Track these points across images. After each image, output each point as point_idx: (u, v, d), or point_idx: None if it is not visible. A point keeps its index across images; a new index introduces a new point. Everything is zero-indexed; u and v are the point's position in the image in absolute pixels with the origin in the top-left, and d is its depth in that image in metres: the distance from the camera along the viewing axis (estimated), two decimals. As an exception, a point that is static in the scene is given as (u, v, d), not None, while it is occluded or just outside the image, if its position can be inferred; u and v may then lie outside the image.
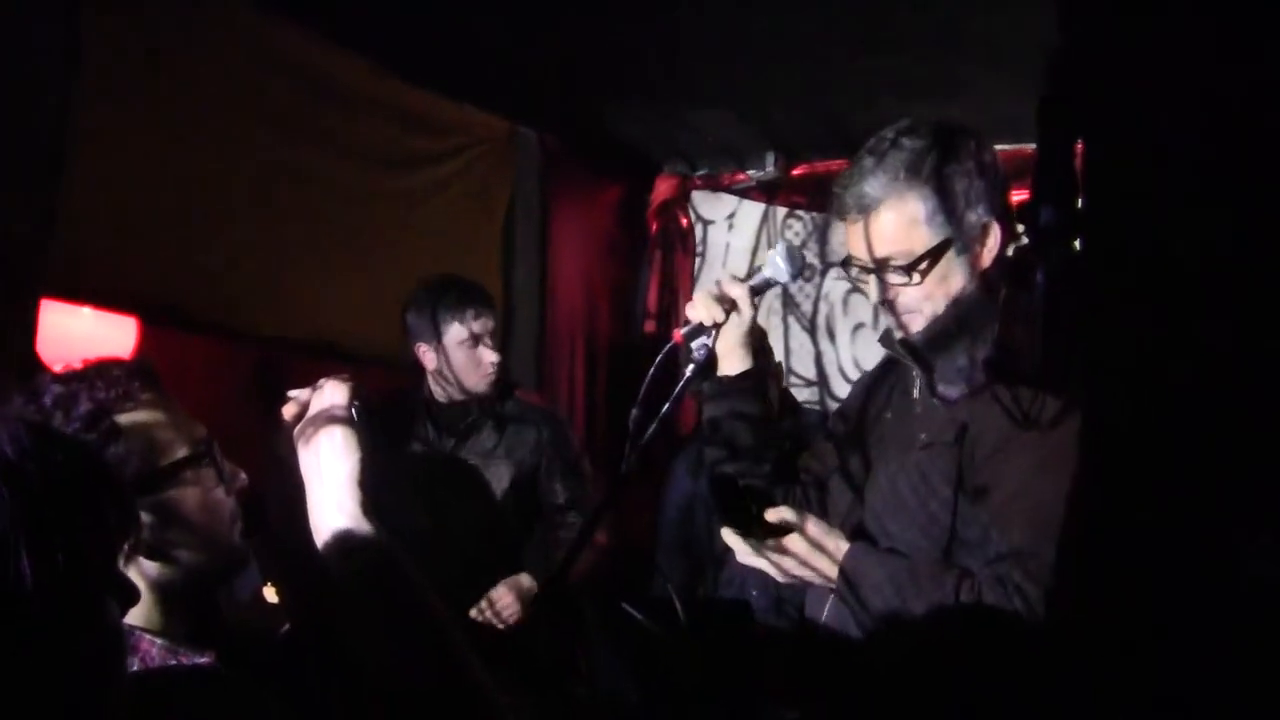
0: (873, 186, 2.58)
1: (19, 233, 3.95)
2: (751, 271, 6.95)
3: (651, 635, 2.58)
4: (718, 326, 2.77)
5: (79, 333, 4.33)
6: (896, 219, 2.57)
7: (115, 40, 4.25)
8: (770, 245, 7.01)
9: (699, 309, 2.78)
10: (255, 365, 4.97)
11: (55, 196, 4.05)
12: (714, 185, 7.06)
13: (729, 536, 2.61)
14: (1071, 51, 1.65)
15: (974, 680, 2.42)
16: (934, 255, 2.56)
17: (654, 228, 7.14)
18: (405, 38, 5.14)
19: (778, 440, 2.90)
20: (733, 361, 2.84)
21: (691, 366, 2.80)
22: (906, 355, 2.73)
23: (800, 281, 6.53)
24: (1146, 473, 1.45)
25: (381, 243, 5.45)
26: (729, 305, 2.77)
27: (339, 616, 1.78)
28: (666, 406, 2.66)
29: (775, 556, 2.58)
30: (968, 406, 2.58)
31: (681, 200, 7.14)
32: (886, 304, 2.66)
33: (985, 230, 2.57)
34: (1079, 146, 1.64)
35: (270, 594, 3.52)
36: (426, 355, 4.51)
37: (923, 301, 2.61)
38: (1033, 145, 1.80)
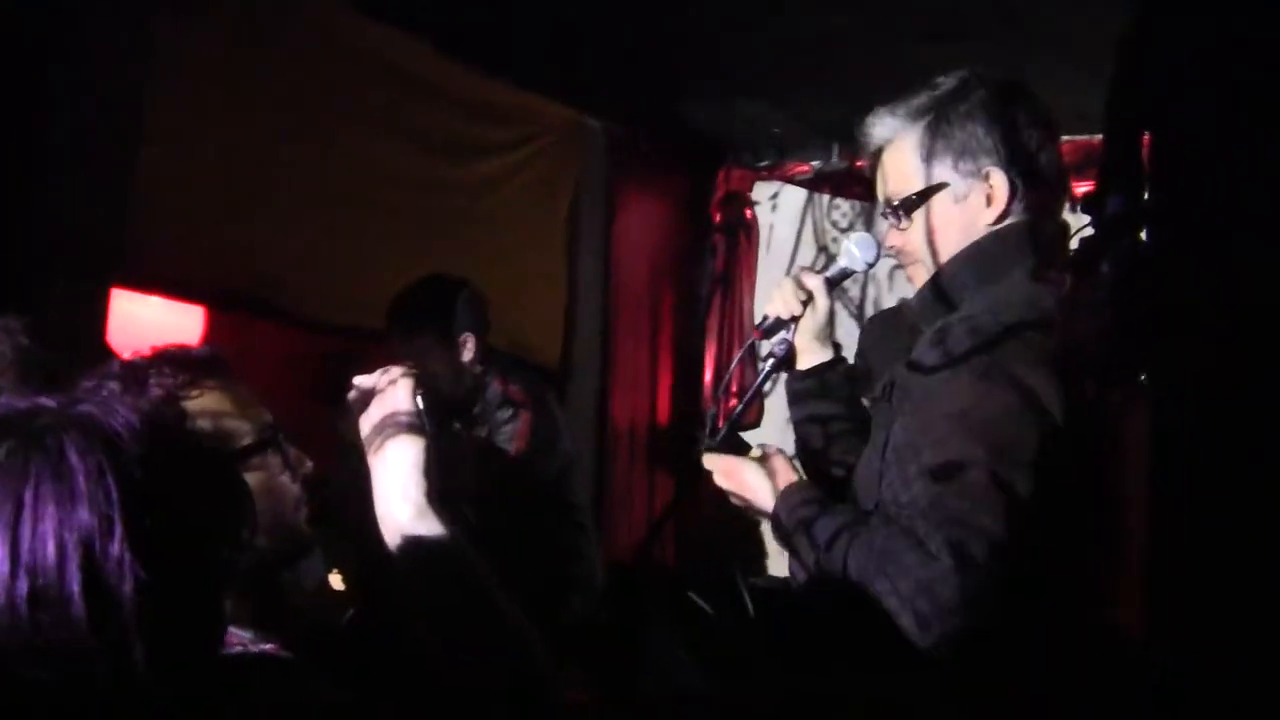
0: (879, 126, 2.54)
1: (91, 222, 4.00)
2: (794, 253, 6.99)
3: (715, 621, 2.57)
4: (795, 320, 2.76)
5: (148, 321, 4.38)
6: (896, 158, 2.52)
7: (188, 31, 4.30)
8: (816, 227, 7.05)
9: (776, 303, 2.77)
10: (324, 354, 5.00)
11: (127, 186, 4.10)
12: (778, 176, 7.06)
13: (705, 458, 2.62)
14: (1140, 44, 1.64)
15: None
16: (923, 196, 2.47)
17: (717, 218, 7.14)
18: (471, 27, 5.16)
19: (853, 442, 2.84)
20: (811, 355, 2.82)
21: (770, 361, 2.79)
22: (909, 313, 2.63)
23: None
24: (1214, 464, 1.44)
25: (447, 231, 5.48)
26: (805, 297, 2.76)
27: (403, 605, 1.79)
28: (743, 402, 2.67)
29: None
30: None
31: (745, 191, 7.14)
32: (894, 251, 2.60)
33: (986, 179, 2.43)
34: (1146, 138, 1.63)
35: (336, 581, 3.55)
36: (468, 346, 4.47)
37: (922, 251, 2.52)
38: (1098, 136, 1.78)
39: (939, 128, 2.46)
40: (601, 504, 6.44)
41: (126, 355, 2.11)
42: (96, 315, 4.08)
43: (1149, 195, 1.57)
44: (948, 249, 2.47)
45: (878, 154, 2.56)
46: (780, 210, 7.12)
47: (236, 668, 1.88)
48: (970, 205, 2.45)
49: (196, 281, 4.49)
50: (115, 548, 1.35)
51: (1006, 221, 2.44)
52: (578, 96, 6.16)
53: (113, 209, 4.06)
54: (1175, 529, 1.47)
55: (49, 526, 1.35)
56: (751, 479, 2.55)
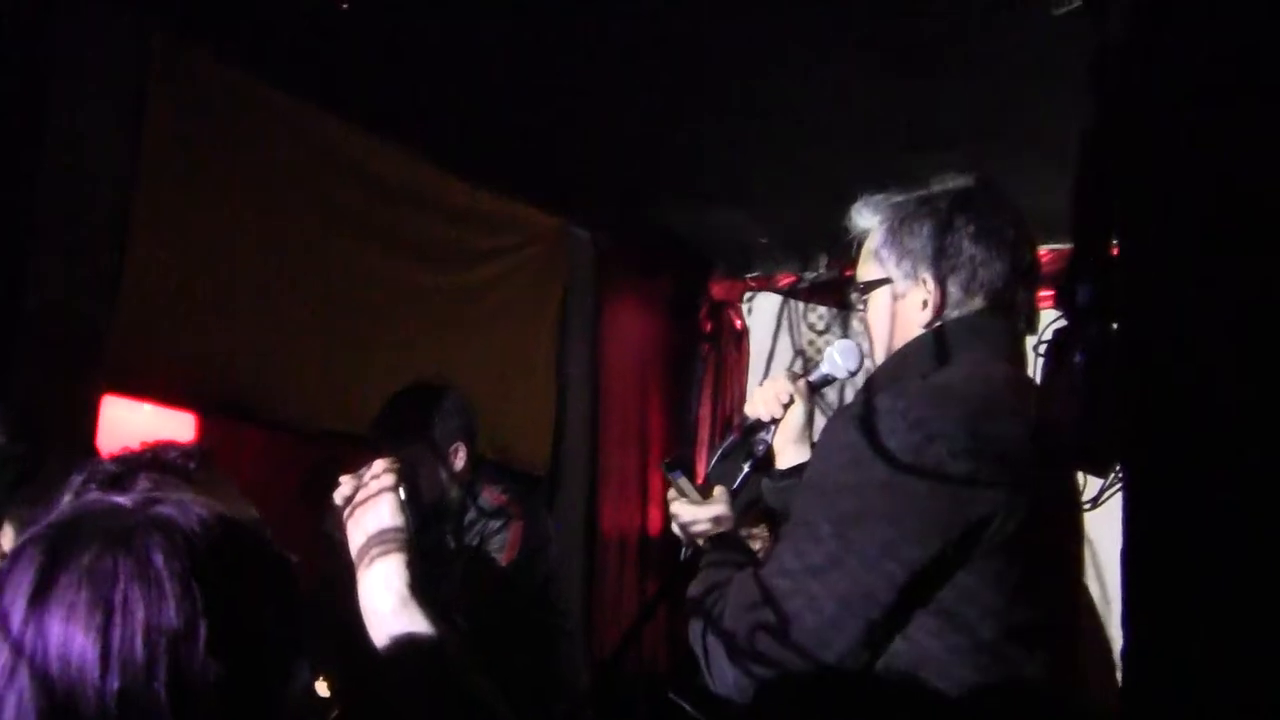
0: (859, 216, 2.67)
1: (80, 329, 4.03)
2: (770, 356, 7.02)
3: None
4: (775, 422, 2.81)
5: (139, 427, 4.39)
6: (866, 247, 2.64)
7: (175, 139, 4.34)
8: (793, 330, 7.07)
9: (758, 404, 2.83)
10: (313, 462, 4.99)
11: (115, 294, 4.13)
12: (766, 286, 7.11)
13: (672, 497, 2.73)
14: (1106, 140, 1.68)
15: None
16: (868, 286, 2.60)
17: (707, 327, 7.19)
18: (462, 138, 5.23)
19: None
20: (789, 455, 2.86)
21: (749, 461, 2.83)
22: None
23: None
24: (1188, 544, 1.45)
25: (435, 338, 5.50)
26: (787, 400, 2.81)
27: (387, 699, 1.79)
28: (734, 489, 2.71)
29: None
30: None
31: (734, 300, 7.19)
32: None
33: (924, 285, 2.52)
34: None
35: (322, 688, 3.53)
36: (459, 454, 4.44)
37: (873, 345, 2.64)
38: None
39: (894, 227, 2.56)
40: (590, 612, 6.42)
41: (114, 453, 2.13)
42: (87, 421, 4.10)
43: (1119, 284, 1.60)
44: (882, 338, 2.60)
45: (861, 240, 2.66)
46: (756, 314, 7.19)
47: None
48: (907, 304, 2.56)
49: (182, 388, 4.49)
50: (199, 648, 1.40)
51: (939, 323, 2.53)
52: (564, 206, 6.22)
53: (99, 316, 4.09)
54: (1150, 612, 1.48)
55: (138, 628, 1.39)
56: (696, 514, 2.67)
